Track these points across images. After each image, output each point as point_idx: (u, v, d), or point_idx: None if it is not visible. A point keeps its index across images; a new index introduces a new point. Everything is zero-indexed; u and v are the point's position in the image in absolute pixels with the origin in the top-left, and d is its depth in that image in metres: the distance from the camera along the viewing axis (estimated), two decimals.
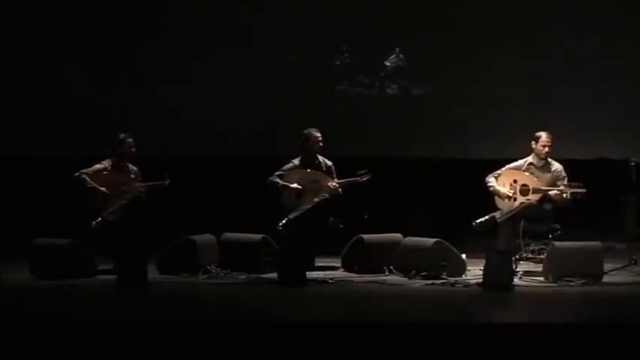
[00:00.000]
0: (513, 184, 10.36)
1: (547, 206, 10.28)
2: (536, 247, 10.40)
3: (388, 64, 13.08)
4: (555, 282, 9.84)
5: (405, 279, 10.11)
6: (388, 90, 13.15)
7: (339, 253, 10.74)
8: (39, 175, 12.36)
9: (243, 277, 10.24)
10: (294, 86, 12.96)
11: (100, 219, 10.19)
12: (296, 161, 10.74)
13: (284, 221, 10.34)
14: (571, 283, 9.78)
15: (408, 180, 12.71)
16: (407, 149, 12.93)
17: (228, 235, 10.71)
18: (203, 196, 12.38)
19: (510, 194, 10.32)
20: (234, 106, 12.87)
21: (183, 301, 9.30)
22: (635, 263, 10.53)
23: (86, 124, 12.55)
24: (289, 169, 10.70)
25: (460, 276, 10.12)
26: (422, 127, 13.00)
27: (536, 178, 10.35)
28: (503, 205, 10.34)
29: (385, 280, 10.16)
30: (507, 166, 10.53)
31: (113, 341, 7.54)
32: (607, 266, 10.11)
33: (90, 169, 10.47)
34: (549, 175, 10.42)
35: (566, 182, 10.29)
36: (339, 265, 10.76)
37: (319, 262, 10.74)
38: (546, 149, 10.40)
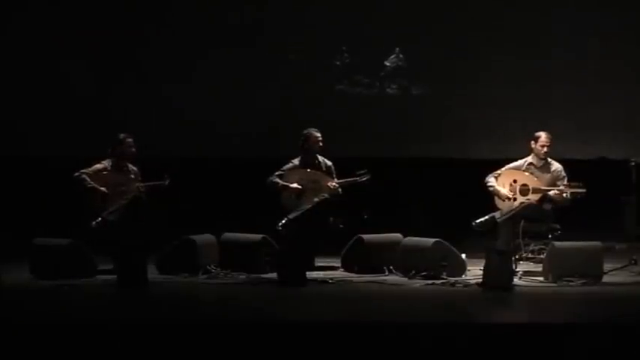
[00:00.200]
0: (513, 184, 10.36)
1: (547, 206, 10.29)
2: (536, 247, 10.40)
3: (388, 64, 13.08)
4: (555, 282, 9.84)
5: (405, 279, 10.11)
6: (388, 90, 13.14)
7: (339, 253, 10.74)
8: (39, 175, 12.35)
9: (243, 277, 10.24)
10: (294, 86, 12.96)
11: (99, 219, 10.19)
12: (296, 161, 10.75)
13: (284, 221, 10.34)
14: (571, 283, 9.78)
15: (408, 180, 12.71)
16: (407, 149, 12.93)
17: (228, 235, 10.71)
18: (203, 196, 12.38)
19: (510, 194, 10.32)
20: (234, 106, 12.86)
21: (183, 301, 9.30)
22: (635, 263, 10.53)
23: (89, 124, 12.55)
24: (289, 169, 10.70)
25: (460, 276, 10.12)
26: (422, 127, 13.00)
27: (536, 178, 10.35)
28: (503, 205, 10.34)
29: (385, 280, 10.16)
30: (507, 166, 10.53)
31: (113, 341, 7.55)
32: (607, 266, 10.11)
33: (90, 169, 10.48)
34: (549, 175, 10.42)
35: (566, 182, 10.29)
36: (339, 265, 10.76)
37: (319, 262, 10.74)
38: (545, 149, 10.40)
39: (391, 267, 10.42)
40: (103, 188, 10.38)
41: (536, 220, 10.26)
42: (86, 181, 10.39)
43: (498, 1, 13.00)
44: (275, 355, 7.49)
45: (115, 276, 9.77)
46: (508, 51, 12.88)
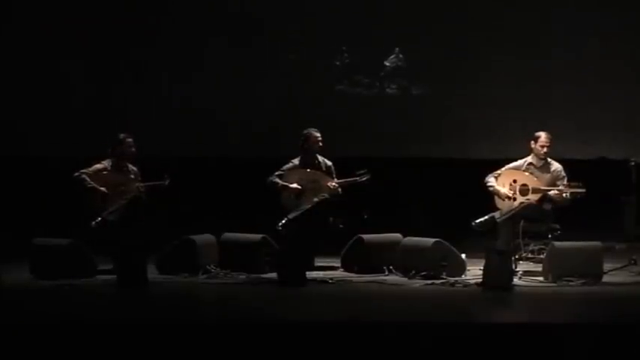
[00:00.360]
0: (513, 184, 10.36)
1: (547, 206, 10.29)
2: (536, 247, 10.40)
3: (388, 64, 13.08)
4: (555, 282, 9.84)
5: (405, 279, 10.11)
6: (388, 90, 13.15)
7: (338, 253, 10.74)
8: (39, 175, 12.35)
9: (243, 277, 10.24)
10: (294, 86, 12.96)
11: (99, 219, 10.19)
12: (296, 161, 10.75)
13: (284, 221, 10.35)
14: (571, 283, 9.78)
15: (408, 180, 12.70)
16: (407, 149, 12.93)
17: (228, 235, 10.70)
18: (203, 196, 12.38)
19: (510, 194, 10.33)
20: (233, 106, 12.87)
21: (183, 301, 9.30)
22: (635, 263, 10.53)
23: (89, 124, 12.55)
24: (289, 169, 10.71)
25: (460, 276, 10.12)
26: (422, 127, 13.00)
27: (535, 178, 10.35)
28: (503, 205, 10.34)
29: (385, 280, 10.16)
30: (507, 166, 10.53)
31: (113, 341, 7.55)
32: (607, 266, 10.11)
33: (90, 169, 10.48)
34: (549, 175, 10.42)
35: (565, 182, 10.29)
36: (339, 265, 10.76)
37: (319, 262, 10.75)
38: (545, 149, 10.40)
39: (391, 267, 10.41)
40: (103, 188, 10.38)
41: (536, 220, 10.26)
42: (86, 181, 10.39)
43: (498, 1, 13.00)
44: (275, 355, 7.49)
45: (115, 276, 9.77)
46: (508, 51, 12.88)
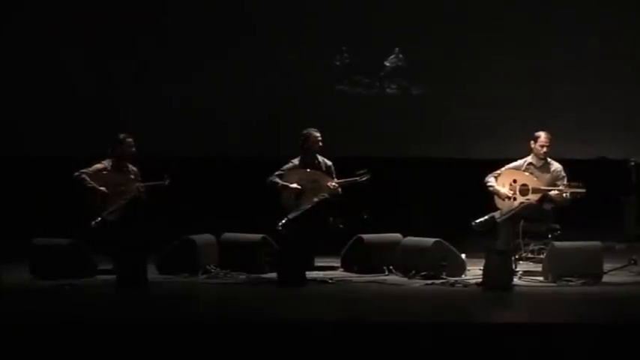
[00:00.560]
0: (513, 183, 10.36)
1: (547, 206, 10.29)
2: (536, 247, 10.40)
3: (388, 64, 13.08)
4: (555, 282, 9.84)
5: (405, 279, 10.11)
6: (388, 90, 13.15)
7: (338, 253, 10.74)
8: (39, 175, 12.35)
9: (243, 277, 10.24)
10: (294, 86, 12.96)
11: (99, 219, 10.19)
12: (296, 161, 10.75)
13: (284, 221, 10.35)
14: (571, 283, 9.77)
15: (408, 180, 12.70)
16: (407, 149, 12.93)
17: (228, 235, 10.70)
18: (203, 196, 12.38)
19: (510, 194, 10.33)
20: (233, 105, 12.87)
21: (183, 301, 9.30)
22: (635, 263, 10.53)
23: (89, 124, 12.55)
24: (289, 169, 10.71)
25: (460, 276, 10.11)
26: (422, 127, 13.00)
27: (535, 178, 10.35)
28: (503, 205, 10.34)
29: (385, 280, 10.16)
30: (507, 166, 10.53)
31: (113, 341, 7.55)
32: (607, 266, 10.11)
33: (90, 168, 10.48)
34: (549, 175, 10.42)
35: (565, 182, 10.29)
36: (339, 265, 10.76)
37: (319, 262, 10.75)
38: (545, 149, 10.40)
39: (391, 267, 10.41)
40: (102, 188, 10.38)
41: (536, 220, 10.26)
42: (86, 180, 10.39)
43: (498, 1, 13.00)
44: (275, 355, 7.49)
45: (115, 276, 9.76)
46: (508, 51, 12.88)
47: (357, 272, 10.50)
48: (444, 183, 12.55)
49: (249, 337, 7.62)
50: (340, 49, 13.08)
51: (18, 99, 12.74)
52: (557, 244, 10.07)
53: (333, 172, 10.75)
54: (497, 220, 10.24)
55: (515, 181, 10.36)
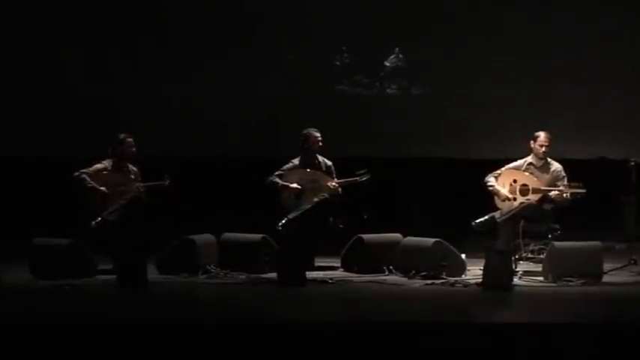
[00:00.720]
0: (513, 184, 10.36)
1: (547, 206, 10.29)
2: (536, 247, 10.40)
3: (388, 64, 13.08)
4: (555, 282, 9.84)
5: (405, 279, 10.11)
6: (388, 90, 13.15)
7: (338, 253, 10.74)
8: (39, 174, 12.35)
9: (243, 277, 10.24)
10: (293, 86, 12.96)
11: (99, 219, 10.20)
12: (296, 161, 10.76)
13: (284, 221, 10.35)
14: (571, 283, 9.78)
15: (408, 180, 12.70)
16: (407, 149, 12.93)
17: (228, 235, 10.70)
18: (203, 196, 12.38)
19: (510, 195, 10.32)
20: (233, 105, 12.87)
21: (183, 301, 9.30)
22: (635, 263, 10.53)
23: (89, 124, 12.55)
24: (289, 169, 10.71)
25: (460, 276, 10.12)
26: (422, 127, 13.00)
27: (535, 178, 10.35)
28: (503, 205, 10.34)
29: (385, 280, 10.16)
30: (507, 166, 10.53)
31: (113, 341, 7.54)
32: (607, 266, 10.11)
33: (90, 168, 10.48)
34: (549, 175, 10.42)
35: (565, 182, 10.29)
36: (339, 265, 10.76)
37: (319, 262, 10.75)
38: (544, 149, 10.40)
39: (391, 267, 10.41)
40: (102, 188, 10.38)
41: (536, 220, 10.26)
42: (86, 180, 10.39)
43: (498, 1, 13.00)
44: (275, 355, 7.49)
45: (115, 276, 9.76)
46: (508, 51, 12.88)
47: (357, 272, 10.50)
48: (444, 183, 12.54)
49: (249, 337, 7.62)
50: (340, 49, 13.08)
51: (18, 99, 12.74)
52: (557, 244, 10.07)
53: (333, 172, 10.75)
54: (498, 220, 10.24)
55: (515, 181, 10.36)
